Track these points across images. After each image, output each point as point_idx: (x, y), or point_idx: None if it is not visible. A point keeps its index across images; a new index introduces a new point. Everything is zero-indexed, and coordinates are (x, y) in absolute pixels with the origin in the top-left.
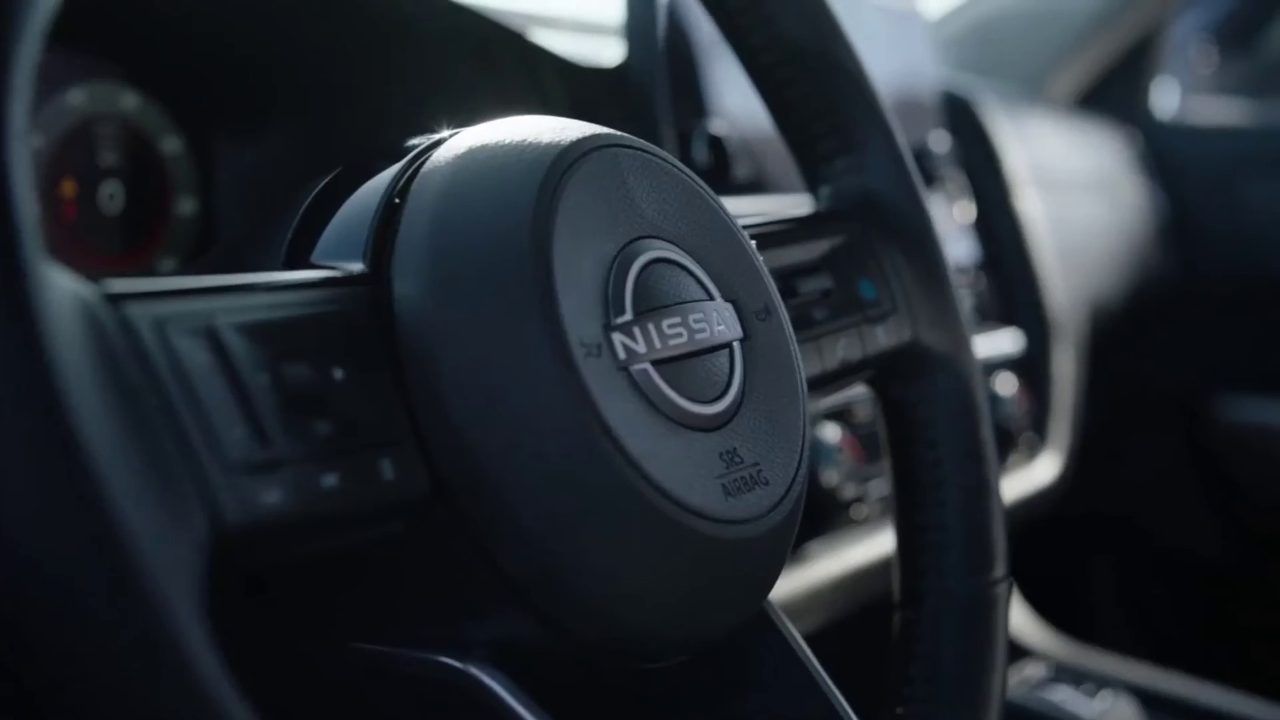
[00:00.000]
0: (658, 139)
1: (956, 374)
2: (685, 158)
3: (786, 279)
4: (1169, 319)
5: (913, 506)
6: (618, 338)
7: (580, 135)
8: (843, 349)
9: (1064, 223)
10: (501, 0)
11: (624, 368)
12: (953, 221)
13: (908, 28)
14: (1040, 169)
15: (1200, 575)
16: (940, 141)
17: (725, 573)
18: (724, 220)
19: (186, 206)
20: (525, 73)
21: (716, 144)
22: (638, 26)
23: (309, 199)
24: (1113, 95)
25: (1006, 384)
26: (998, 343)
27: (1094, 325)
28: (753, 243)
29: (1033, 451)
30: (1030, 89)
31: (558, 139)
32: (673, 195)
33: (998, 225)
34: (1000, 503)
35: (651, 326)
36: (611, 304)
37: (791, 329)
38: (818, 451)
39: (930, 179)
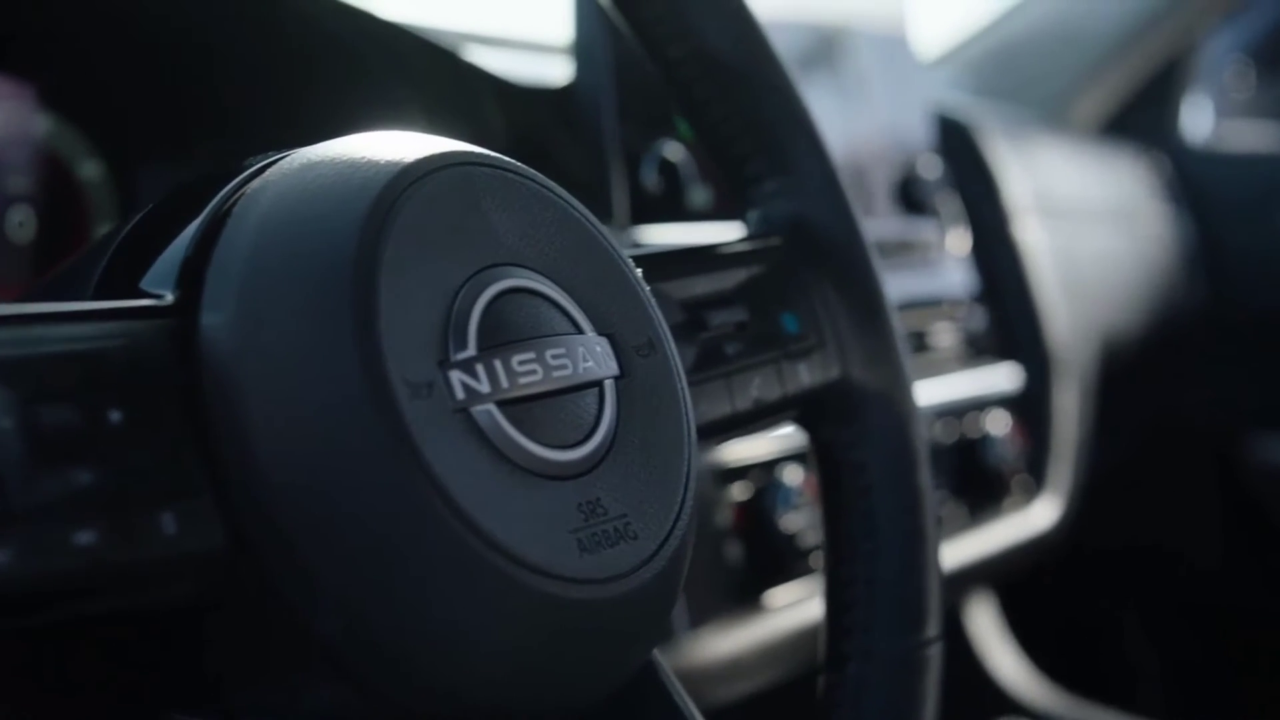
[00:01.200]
0: (604, 162)
1: (892, 415)
2: (634, 182)
3: (695, 311)
4: (1198, 353)
5: (840, 558)
6: (456, 375)
7: (427, 152)
8: (757, 388)
9: (1072, 252)
10: (446, 19)
11: (462, 409)
12: (946, 250)
13: (897, 55)
14: (1045, 196)
15: (1234, 625)
16: (931, 167)
17: (581, 636)
18: (604, 247)
19: None
20: (459, 93)
21: (668, 168)
22: (586, 45)
23: (133, 221)
24: (1140, 120)
25: (999, 423)
26: (993, 379)
27: (1113, 360)
28: (638, 272)
29: (1028, 495)
30: (1054, 114)
31: (399, 156)
32: (540, 219)
33: (995, 254)
34: (937, 557)
35: (498, 363)
36: (452, 338)
37: (680, 366)
38: (778, 495)
39: (921, 206)
